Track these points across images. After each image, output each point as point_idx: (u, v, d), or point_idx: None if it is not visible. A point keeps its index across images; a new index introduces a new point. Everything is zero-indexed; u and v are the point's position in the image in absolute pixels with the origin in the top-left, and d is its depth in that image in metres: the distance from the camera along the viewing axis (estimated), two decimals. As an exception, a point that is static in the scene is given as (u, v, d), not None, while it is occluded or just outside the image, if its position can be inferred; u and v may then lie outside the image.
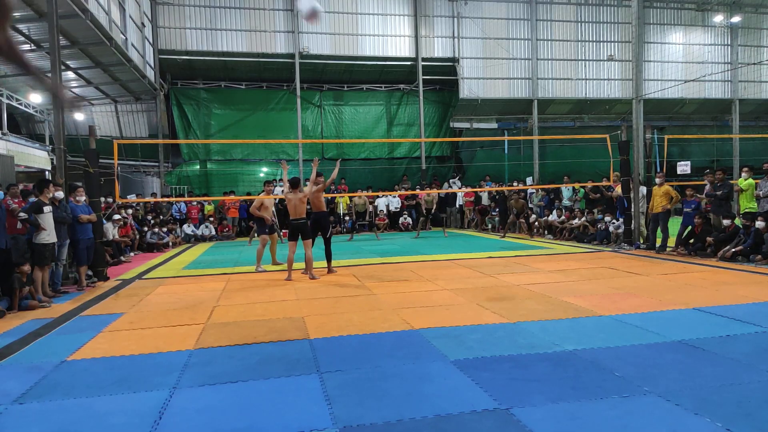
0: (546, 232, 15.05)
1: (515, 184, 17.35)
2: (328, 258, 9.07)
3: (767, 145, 22.11)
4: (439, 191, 19.10)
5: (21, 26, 12.55)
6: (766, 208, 9.42)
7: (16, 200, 7.40)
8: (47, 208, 7.40)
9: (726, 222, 9.68)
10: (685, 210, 10.56)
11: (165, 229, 14.84)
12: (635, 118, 12.17)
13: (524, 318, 5.46)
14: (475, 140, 21.99)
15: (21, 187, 8.68)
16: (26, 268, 6.87)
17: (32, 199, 7.66)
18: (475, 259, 10.31)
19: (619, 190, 12.00)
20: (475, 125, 23.04)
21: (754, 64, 23.54)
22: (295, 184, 8.54)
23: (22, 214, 7.09)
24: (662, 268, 8.57)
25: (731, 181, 10.74)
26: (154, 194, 18.45)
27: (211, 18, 19.72)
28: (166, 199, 17.67)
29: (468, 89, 21.77)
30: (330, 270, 9.02)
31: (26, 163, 14.85)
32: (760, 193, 9.57)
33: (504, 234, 15.23)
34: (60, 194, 7.97)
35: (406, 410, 3.28)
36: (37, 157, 15.58)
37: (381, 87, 22.35)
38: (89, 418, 3.31)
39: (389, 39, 21.12)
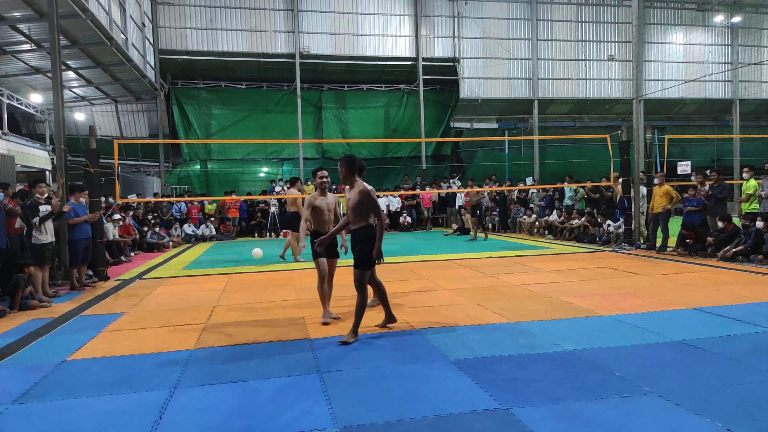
0: (546, 232, 15.04)
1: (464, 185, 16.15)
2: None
3: (767, 145, 22.12)
4: (439, 191, 19.10)
5: (21, 26, 12.54)
6: (767, 208, 9.39)
7: (12, 201, 7.40)
8: (44, 208, 7.39)
9: (721, 224, 9.65)
10: (686, 210, 10.53)
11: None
12: (635, 118, 12.16)
13: (524, 318, 5.45)
14: (475, 140, 21.99)
15: (21, 187, 8.66)
16: (32, 269, 6.88)
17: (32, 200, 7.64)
18: (475, 259, 10.30)
19: (619, 189, 11.99)
20: (476, 125, 23.05)
21: (755, 64, 23.54)
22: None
23: (37, 218, 7.12)
24: (662, 268, 8.56)
25: (733, 182, 10.68)
26: (131, 195, 18.09)
27: (211, 18, 19.74)
28: (166, 199, 17.67)
29: (468, 89, 21.77)
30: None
31: (26, 163, 14.85)
32: (762, 193, 9.55)
33: (480, 234, 14.54)
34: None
35: (406, 410, 3.28)
36: (37, 157, 15.58)
37: (381, 87, 22.35)
38: (89, 418, 3.31)
39: (389, 39, 21.12)
